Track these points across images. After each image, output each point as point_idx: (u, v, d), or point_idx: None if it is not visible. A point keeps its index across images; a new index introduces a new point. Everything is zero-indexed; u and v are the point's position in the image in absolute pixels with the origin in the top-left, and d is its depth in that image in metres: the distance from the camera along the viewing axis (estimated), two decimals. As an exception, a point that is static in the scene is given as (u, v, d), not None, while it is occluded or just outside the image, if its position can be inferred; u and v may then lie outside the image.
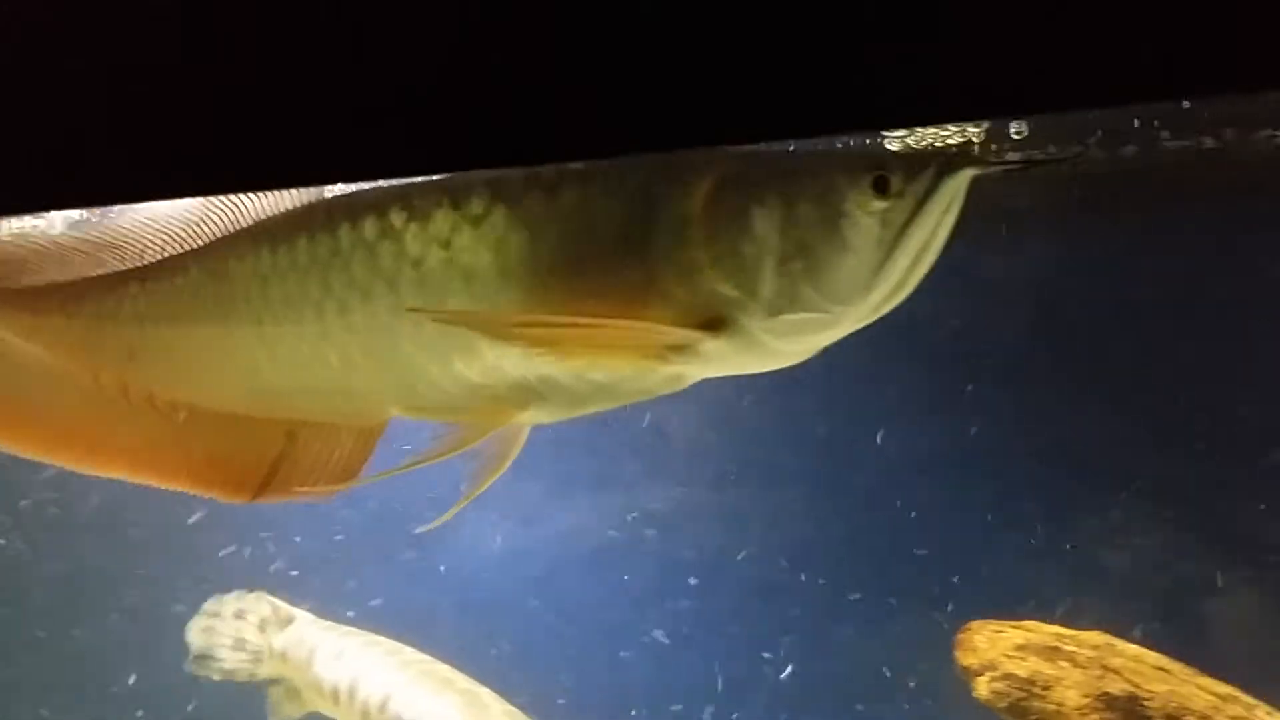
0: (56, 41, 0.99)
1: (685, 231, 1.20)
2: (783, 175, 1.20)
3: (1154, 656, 2.03)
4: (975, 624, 2.08)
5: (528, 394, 1.32)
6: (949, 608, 2.17)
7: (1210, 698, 1.95)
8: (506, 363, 1.29)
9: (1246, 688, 2.05)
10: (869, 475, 2.70)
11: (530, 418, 1.35)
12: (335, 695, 2.52)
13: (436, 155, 0.99)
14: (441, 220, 1.30)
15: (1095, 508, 2.57)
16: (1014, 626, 2.07)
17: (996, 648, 2.02)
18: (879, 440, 2.71)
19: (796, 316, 1.20)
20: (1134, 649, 2.03)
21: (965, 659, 2.04)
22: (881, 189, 1.17)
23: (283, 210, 1.49)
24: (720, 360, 1.25)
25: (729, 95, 0.91)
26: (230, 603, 2.69)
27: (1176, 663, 2.02)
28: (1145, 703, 1.93)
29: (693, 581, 2.92)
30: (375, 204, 1.37)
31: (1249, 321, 2.68)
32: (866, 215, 1.17)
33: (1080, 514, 2.60)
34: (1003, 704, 1.97)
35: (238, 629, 2.66)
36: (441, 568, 3.05)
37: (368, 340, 1.40)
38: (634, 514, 2.96)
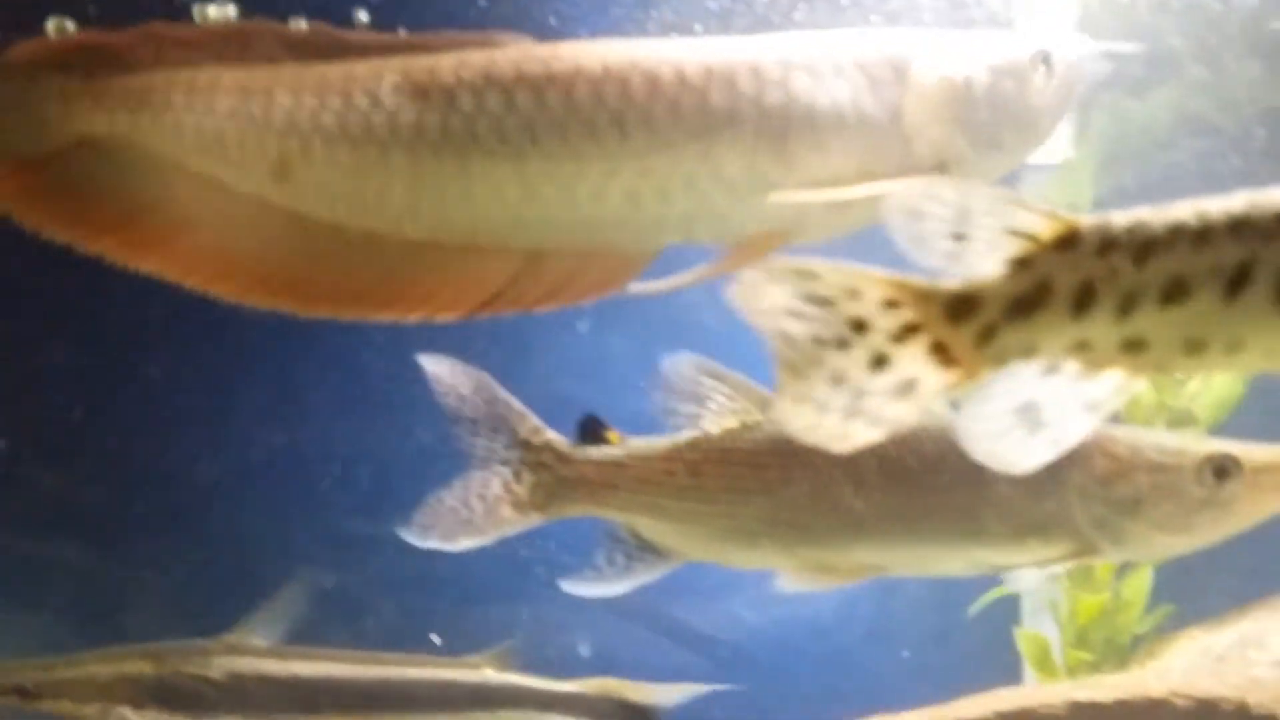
0: None
1: (926, 110, 1.70)
2: (982, 57, 1.75)
3: None
4: None
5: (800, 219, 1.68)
6: None
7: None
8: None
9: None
10: None
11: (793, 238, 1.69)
12: None
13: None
14: None
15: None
16: None
17: None
18: None
19: (998, 156, 1.76)
20: None
21: None
22: (1049, 68, 1.77)
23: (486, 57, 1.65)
24: None
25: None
26: None
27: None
28: None
29: None
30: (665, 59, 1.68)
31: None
32: (1040, 86, 1.76)
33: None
34: None
35: None
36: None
37: (664, 180, 1.65)
38: None
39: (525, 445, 1.95)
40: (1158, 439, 1.85)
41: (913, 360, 1.28)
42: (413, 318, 1.69)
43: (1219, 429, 2.63)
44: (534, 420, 1.97)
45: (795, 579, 1.86)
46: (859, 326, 1.28)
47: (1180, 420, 2.64)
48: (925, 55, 1.73)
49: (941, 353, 1.29)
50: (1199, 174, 2.49)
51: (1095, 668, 2.49)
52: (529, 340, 2.71)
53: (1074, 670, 2.50)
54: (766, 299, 1.26)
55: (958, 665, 2.39)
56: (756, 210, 1.68)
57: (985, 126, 1.73)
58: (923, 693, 2.21)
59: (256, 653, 2.09)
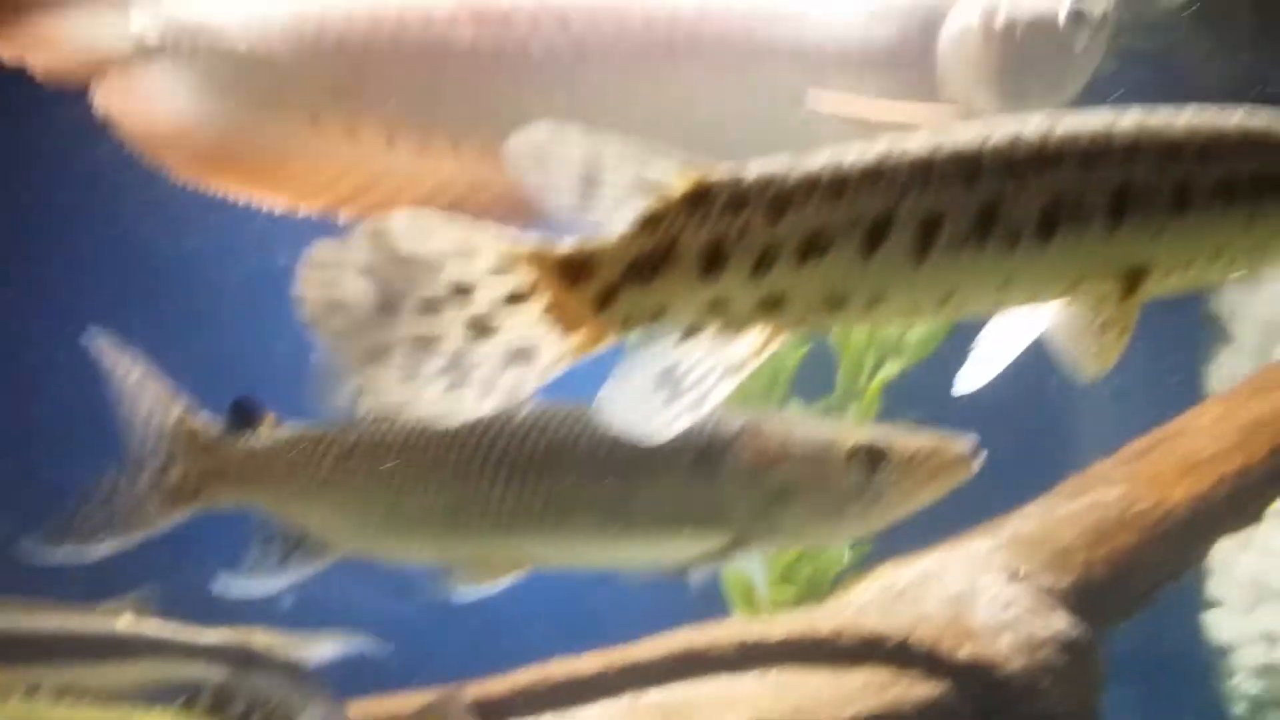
0: None
1: (957, 56, 1.83)
2: (1018, 7, 1.82)
3: None
4: None
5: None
6: None
7: None
8: None
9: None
10: None
11: None
12: None
13: None
14: None
15: None
16: None
17: None
18: None
19: (1024, 105, 1.76)
20: None
21: None
22: (1083, 21, 1.81)
23: None
24: None
25: None
26: None
27: None
28: None
29: None
30: None
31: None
32: (1072, 39, 1.81)
33: None
34: None
35: None
36: None
37: (710, 103, 1.78)
38: None
39: (174, 431, 1.86)
40: (810, 427, 1.86)
41: (526, 325, 1.22)
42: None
43: (928, 361, 2.71)
44: (184, 404, 1.87)
45: (466, 580, 1.83)
46: (464, 289, 1.21)
47: (891, 352, 2.71)
48: (961, 2, 1.81)
49: (560, 316, 1.24)
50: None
51: (797, 604, 2.59)
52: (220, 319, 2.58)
53: (777, 607, 2.60)
54: (360, 254, 1.19)
55: (684, 609, 2.45)
56: (793, 133, 1.77)
57: (1014, 76, 1.79)
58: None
59: None
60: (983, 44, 1.80)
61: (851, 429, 1.88)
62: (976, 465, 1.84)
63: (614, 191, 1.23)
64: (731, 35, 1.79)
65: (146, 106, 1.82)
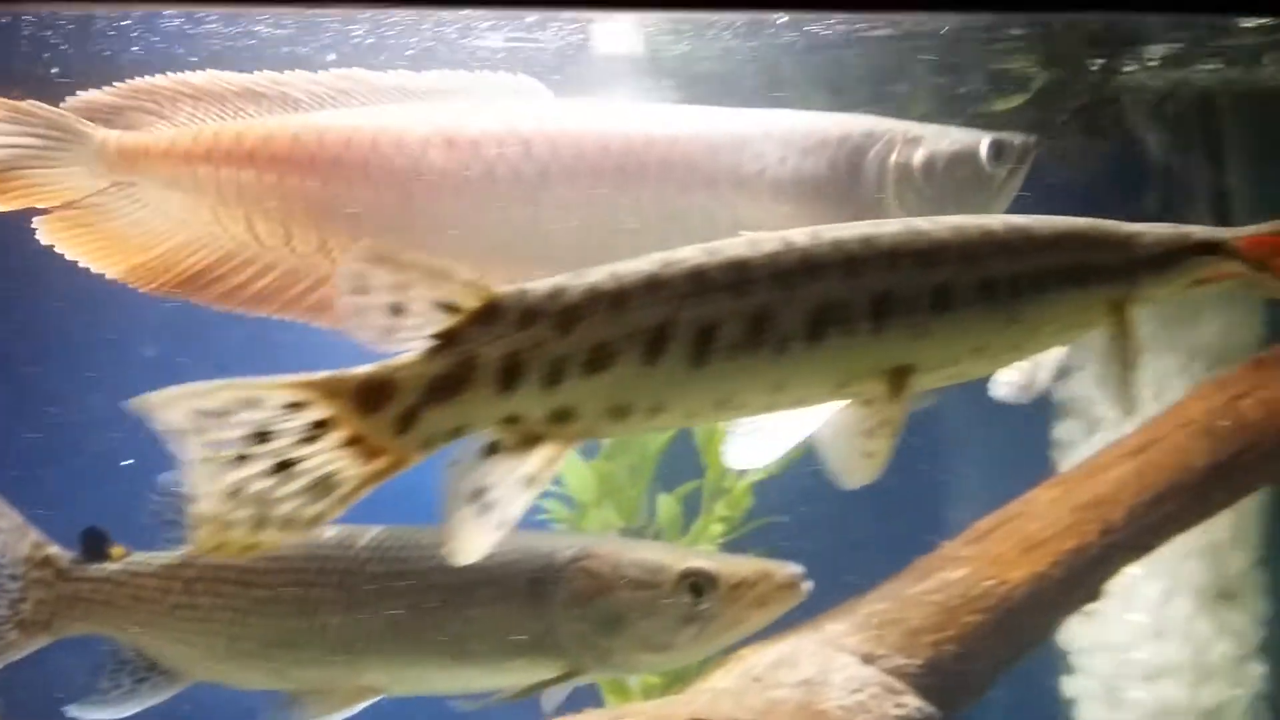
0: None
1: (882, 188, 1.93)
2: (939, 145, 1.97)
3: None
4: None
5: None
6: None
7: None
8: None
9: None
10: None
11: None
12: None
13: None
14: None
15: None
16: None
17: None
18: None
19: None
20: None
21: None
22: (1002, 158, 1.95)
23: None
24: None
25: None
26: None
27: None
28: None
29: None
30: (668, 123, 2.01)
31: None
32: (991, 175, 1.94)
33: None
34: None
35: None
36: None
37: (662, 222, 1.91)
38: None
39: (28, 561, 1.91)
40: (640, 553, 1.90)
41: (326, 457, 1.24)
42: None
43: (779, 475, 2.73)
44: (36, 535, 1.92)
45: (311, 711, 1.86)
46: (262, 435, 1.23)
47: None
48: (886, 139, 1.91)
49: (360, 444, 1.25)
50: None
51: (666, 690, 2.64)
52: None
53: (648, 694, 2.65)
54: (173, 421, 1.22)
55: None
56: None
57: (936, 208, 1.86)
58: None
59: None
60: (904, 177, 1.89)
61: (682, 554, 1.93)
62: (805, 591, 1.90)
63: (417, 315, 1.26)
64: (676, 163, 1.91)
65: (116, 231, 1.90)
